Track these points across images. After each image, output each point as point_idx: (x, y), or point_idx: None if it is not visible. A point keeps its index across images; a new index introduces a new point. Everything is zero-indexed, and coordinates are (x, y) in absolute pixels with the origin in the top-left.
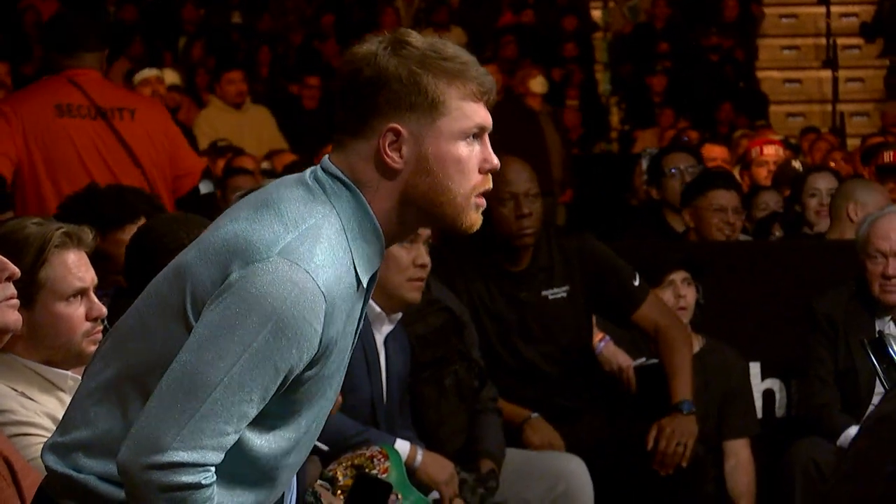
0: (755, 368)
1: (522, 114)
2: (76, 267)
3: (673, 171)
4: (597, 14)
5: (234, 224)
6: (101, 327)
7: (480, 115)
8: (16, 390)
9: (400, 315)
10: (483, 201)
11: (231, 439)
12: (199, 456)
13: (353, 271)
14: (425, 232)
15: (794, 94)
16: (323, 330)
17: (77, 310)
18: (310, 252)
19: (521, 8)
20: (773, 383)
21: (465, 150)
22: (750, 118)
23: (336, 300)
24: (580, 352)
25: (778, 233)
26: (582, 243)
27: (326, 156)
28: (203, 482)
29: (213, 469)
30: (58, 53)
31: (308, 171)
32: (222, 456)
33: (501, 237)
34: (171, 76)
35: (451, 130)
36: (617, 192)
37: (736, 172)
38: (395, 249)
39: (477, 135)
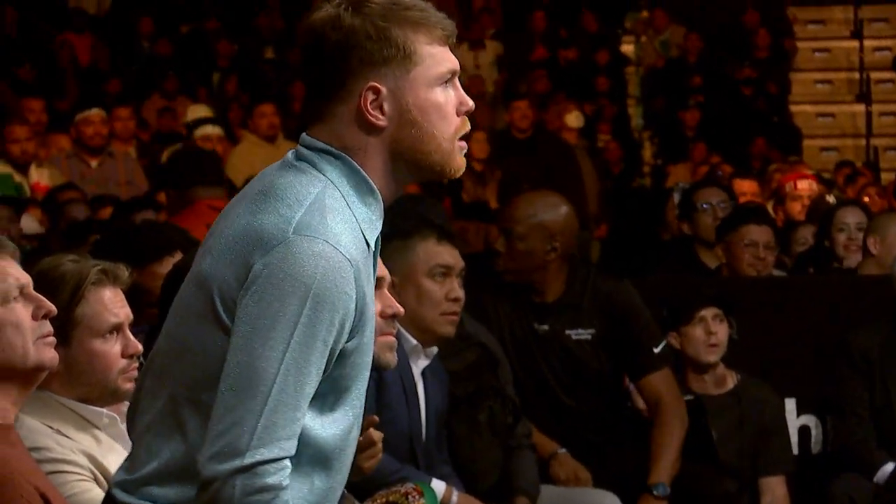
0: (791, 404)
1: (558, 148)
2: (112, 304)
3: (704, 206)
4: (628, 48)
5: (239, 220)
6: (136, 364)
7: (450, 59)
8: (51, 428)
9: (436, 349)
10: (465, 144)
11: (300, 424)
12: (278, 450)
13: (361, 234)
14: (458, 265)
15: (828, 128)
16: (356, 294)
17: (113, 347)
18: (322, 223)
19: (555, 43)
20: (809, 419)
21: (442, 95)
22: (783, 152)
23: (359, 263)
24: (606, 389)
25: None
26: (616, 289)
27: (304, 134)
28: (283, 483)
29: (289, 466)
30: (197, 186)
31: (289, 152)
32: (296, 444)
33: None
34: (204, 111)
35: (427, 78)
36: (650, 226)
37: (769, 207)
38: (429, 284)
39: (449, 80)
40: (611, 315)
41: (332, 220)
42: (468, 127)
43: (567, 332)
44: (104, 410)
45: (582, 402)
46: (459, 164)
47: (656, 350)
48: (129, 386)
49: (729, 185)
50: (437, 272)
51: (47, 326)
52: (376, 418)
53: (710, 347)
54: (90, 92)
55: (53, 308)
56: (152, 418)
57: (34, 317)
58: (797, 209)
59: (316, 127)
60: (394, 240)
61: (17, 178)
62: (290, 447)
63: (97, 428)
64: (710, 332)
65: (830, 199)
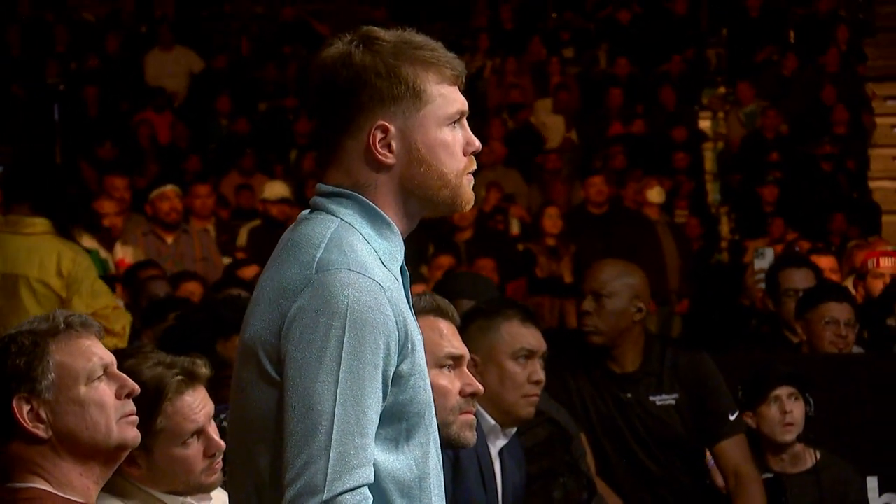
0: (872, 483)
1: (638, 224)
2: (191, 410)
3: (790, 292)
4: (705, 124)
5: (267, 282)
6: (220, 459)
7: (459, 99)
8: None
9: (514, 430)
10: (472, 178)
11: (371, 449)
12: (356, 478)
13: (384, 266)
14: (542, 348)
15: None
16: (394, 312)
17: (194, 450)
18: (342, 255)
19: (631, 118)
20: (892, 498)
21: (450, 135)
22: (862, 229)
23: (389, 286)
24: (689, 455)
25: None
26: (694, 359)
27: (318, 184)
28: None
29: (369, 495)
30: None
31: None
32: (372, 469)
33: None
34: (280, 189)
35: (437, 117)
36: (729, 303)
37: (849, 284)
38: (512, 366)
39: (458, 120)
40: (689, 383)
41: (349, 251)
42: (474, 166)
43: (651, 398)
44: (181, 498)
45: (666, 468)
46: (469, 197)
47: (731, 417)
48: (214, 479)
49: (815, 265)
50: (521, 354)
51: (130, 406)
52: None
53: (785, 427)
54: (169, 169)
55: (137, 387)
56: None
57: (118, 396)
58: (878, 286)
59: (328, 171)
60: (476, 319)
61: (104, 254)
62: (366, 474)
63: None
64: (785, 412)
65: None
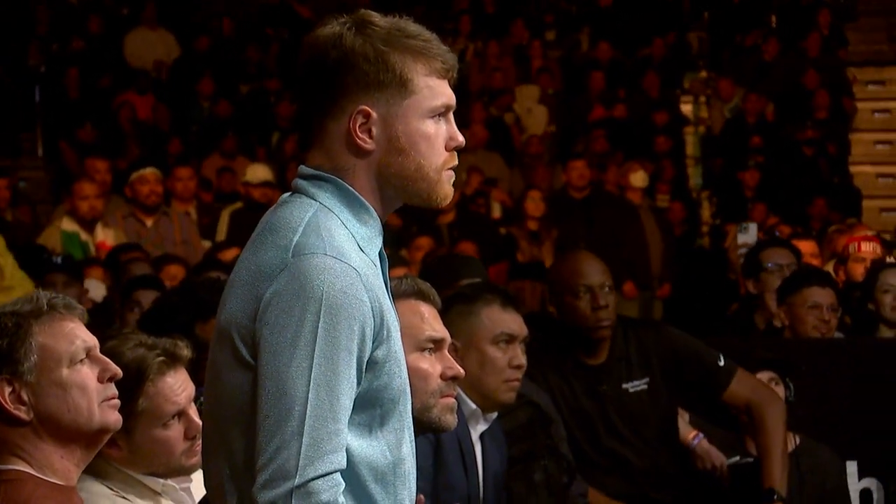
0: (852, 467)
1: (621, 208)
2: (172, 392)
3: (770, 265)
4: (687, 108)
5: (244, 263)
6: (199, 441)
7: (446, 93)
8: (112, 490)
9: (496, 414)
10: (452, 174)
11: (344, 435)
12: (328, 464)
13: (360, 250)
14: (523, 333)
15: (888, 188)
16: (369, 298)
17: (175, 431)
18: (319, 240)
19: (613, 102)
20: (871, 482)
21: (432, 127)
22: (843, 213)
23: (366, 272)
24: (667, 443)
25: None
26: (658, 333)
27: (300, 166)
28: (339, 500)
29: (341, 480)
30: None
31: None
32: (344, 455)
33: (578, 330)
34: (263, 172)
35: (421, 108)
36: (710, 287)
37: (830, 268)
38: (492, 351)
39: (443, 114)
40: (662, 361)
41: (327, 236)
42: (455, 161)
43: (623, 385)
44: (161, 480)
45: (644, 457)
46: (446, 192)
47: (721, 363)
48: (194, 461)
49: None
50: (501, 339)
51: (112, 389)
52: (423, 497)
53: None
54: (150, 152)
55: (119, 371)
56: (222, 479)
57: (100, 379)
58: (860, 271)
59: (310, 152)
60: (456, 304)
61: (84, 236)
62: (339, 459)
63: (159, 494)
64: None
65: (892, 260)
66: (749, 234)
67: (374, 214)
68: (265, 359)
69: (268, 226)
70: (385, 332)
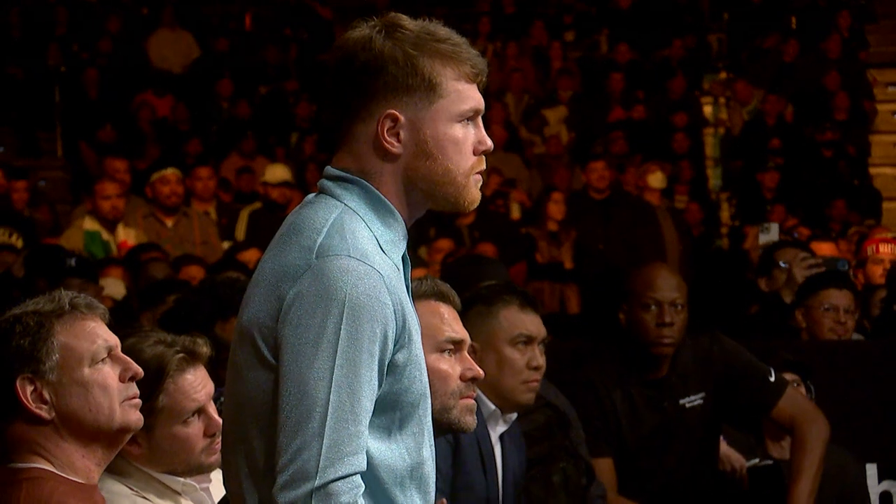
0: (871, 470)
1: (639, 209)
2: (193, 388)
3: (783, 264)
4: (706, 109)
5: (267, 264)
6: (219, 440)
7: (475, 97)
8: (132, 489)
9: (515, 415)
10: (480, 178)
11: (364, 437)
12: (347, 466)
13: (384, 253)
14: (541, 334)
15: None
16: (392, 301)
17: (195, 429)
18: (342, 242)
19: (632, 103)
20: (891, 485)
21: (461, 131)
22: (862, 215)
23: (389, 274)
24: (712, 456)
25: None
26: (713, 344)
27: (327, 167)
28: (360, 502)
29: (361, 483)
30: None
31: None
32: (365, 457)
33: (640, 343)
34: (282, 172)
35: (449, 112)
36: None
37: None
38: (511, 351)
39: (471, 118)
40: (718, 375)
41: (350, 237)
42: (483, 166)
43: (681, 401)
44: (182, 479)
45: (690, 471)
46: (474, 196)
47: (772, 379)
48: (214, 459)
49: (807, 246)
50: (519, 340)
51: (133, 389)
52: (444, 501)
53: None
54: (170, 152)
55: (140, 370)
56: (242, 477)
57: (121, 379)
58: (878, 273)
59: (338, 153)
60: (475, 304)
61: (105, 235)
62: (359, 461)
63: (178, 494)
64: None
65: None
66: (771, 234)
67: (399, 218)
68: (287, 359)
69: (292, 226)
70: (406, 336)
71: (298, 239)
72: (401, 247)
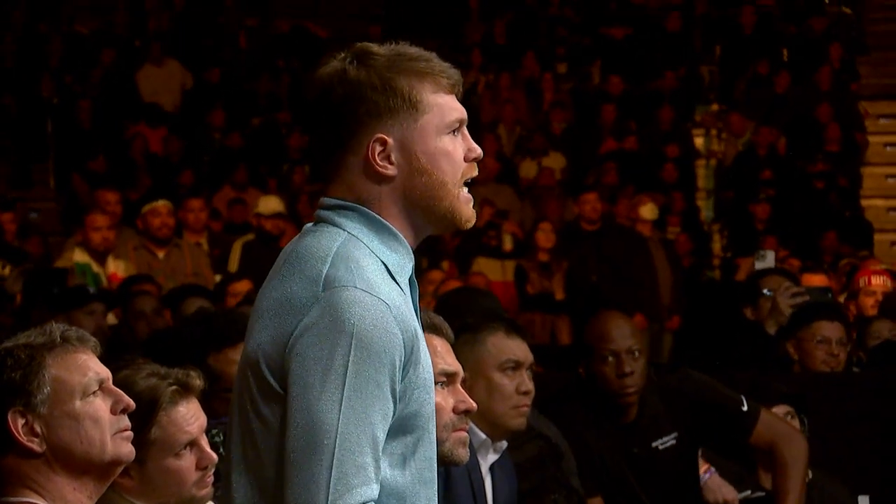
0: (864, 502)
1: (631, 240)
2: (185, 420)
3: (767, 292)
4: (698, 141)
5: (271, 293)
6: (212, 473)
7: (457, 108)
8: None
9: (505, 444)
10: (471, 197)
11: (374, 468)
12: (357, 497)
13: (392, 278)
14: (528, 359)
15: None
16: (401, 330)
17: (187, 462)
18: (348, 272)
19: (624, 135)
20: None
21: (450, 143)
22: (854, 247)
23: (394, 300)
24: (692, 494)
25: None
26: (682, 382)
27: (321, 197)
28: None
29: None
30: None
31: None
32: (376, 486)
33: (604, 394)
34: (275, 203)
35: (436, 126)
36: (720, 320)
37: (841, 302)
38: (499, 378)
39: (458, 128)
40: (688, 412)
41: (357, 268)
42: (475, 172)
43: (653, 444)
44: None
45: None
46: (469, 214)
47: (744, 409)
48: (205, 492)
49: (797, 279)
50: (508, 366)
51: (125, 421)
52: None
53: None
54: (162, 183)
55: (132, 403)
56: None
57: (113, 411)
58: (870, 304)
59: (331, 185)
60: (462, 334)
61: (96, 268)
62: (369, 492)
63: None
64: None
65: None
66: (767, 261)
67: (404, 241)
68: (295, 392)
69: (294, 255)
70: (415, 360)
71: (302, 268)
72: (407, 269)
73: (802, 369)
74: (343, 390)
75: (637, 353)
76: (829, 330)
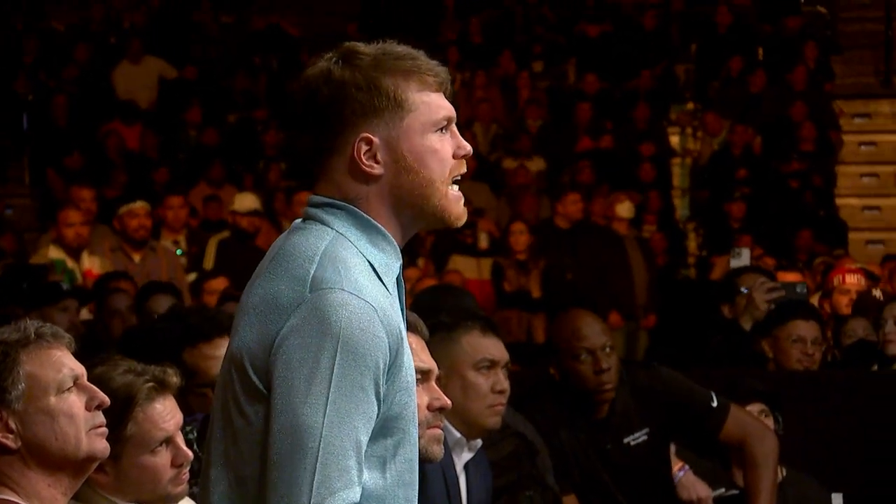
0: (837, 500)
1: (607, 238)
2: (161, 418)
3: (744, 290)
4: (674, 140)
5: (257, 291)
6: (187, 470)
7: (445, 106)
8: None
9: (480, 443)
10: (461, 195)
11: (357, 471)
12: (339, 500)
13: (378, 278)
14: (504, 358)
15: (874, 221)
16: (386, 333)
17: (163, 458)
18: (336, 274)
19: (600, 133)
20: None
21: (438, 141)
22: (829, 245)
23: (382, 304)
24: (664, 490)
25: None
26: (652, 378)
27: (310, 195)
28: None
29: None
30: None
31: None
32: (358, 490)
33: (579, 393)
34: (251, 201)
35: (422, 124)
36: (695, 318)
37: (816, 301)
38: (474, 376)
39: (446, 126)
40: (660, 408)
41: (343, 269)
42: (464, 169)
43: (625, 440)
44: None
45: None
46: (459, 212)
47: (714, 405)
48: (181, 489)
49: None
50: (483, 365)
51: (100, 417)
52: None
53: None
54: (138, 180)
55: (107, 399)
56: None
57: (87, 407)
58: (844, 303)
59: (319, 184)
60: (437, 332)
61: (70, 264)
62: (351, 495)
63: None
64: None
65: (877, 293)
66: (742, 259)
67: (392, 241)
68: (279, 394)
69: (281, 253)
70: (399, 364)
71: (289, 267)
72: (394, 269)
73: (777, 367)
74: (328, 394)
75: (609, 350)
76: (805, 329)
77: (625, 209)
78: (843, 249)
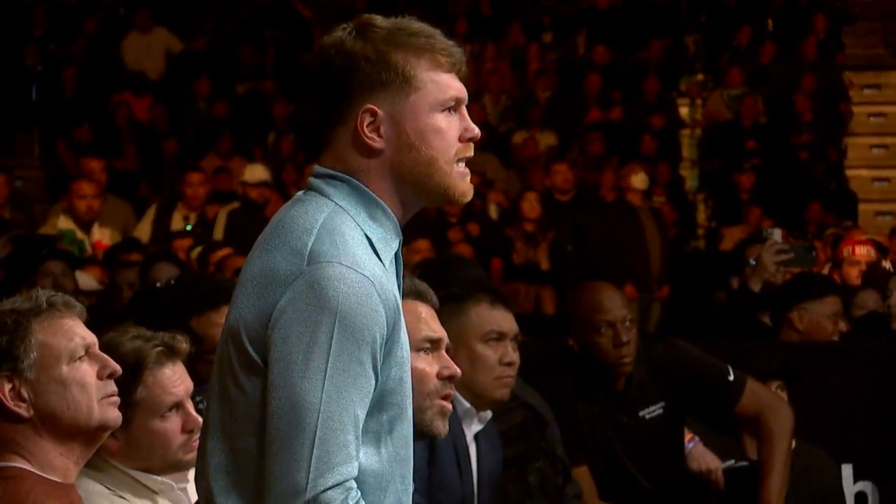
0: (847, 471)
1: (622, 210)
2: (171, 383)
3: (752, 262)
4: (683, 111)
5: (255, 262)
6: (197, 436)
7: (455, 86)
8: (109, 489)
9: (490, 414)
10: (467, 171)
11: (355, 445)
12: (337, 476)
13: (375, 253)
14: (513, 330)
15: (884, 192)
16: (384, 307)
17: (173, 424)
18: (333, 247)
19: (609, 105)
20: (866, 486)
21: (443, 121)
22: (838, 217)
23: (380, 277)
24: (677, 463)
25: None
26: (669, 351)
27: (315, 165)
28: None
29: (355, 486)
30: None
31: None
32: (356, 464)
33: (599, 366)
34: (260, 172)
35: (428, 103)
36: (705, 289)
37: (825, 272)
38: (483, 348)
39: (454, 107)
40: (676, 381)
41: (342, 242)
42: (470, 153)
43: (641, 413)
44: (159, 478)
45: (654, 481)
46: (463, 189)
47: (730, 378)
48: (191, 457)
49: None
50: (491, 337)
51: (112, 386)
52: None
53: None
54: (147, 152)
55: (118, 368)
56: (217, 475)
57: (99, 376)
58: (854, 274)
59: (323, 154)
60: (447, 304)
61: (80, 234)
62: (349, 470)
63: (155, 493)
64: None
65: (887, 264)
66: (773, 239)
67: (391, 215)
68: (277, 368)
69: (281, 224)
70: (395, 338)
71: (287, 239)
72: (393, 245)
73: (804, 339)
74: (326, 368)
75: (629, 323)
76: (838, 304)
77: (639, 180)
78: (853, 221)
